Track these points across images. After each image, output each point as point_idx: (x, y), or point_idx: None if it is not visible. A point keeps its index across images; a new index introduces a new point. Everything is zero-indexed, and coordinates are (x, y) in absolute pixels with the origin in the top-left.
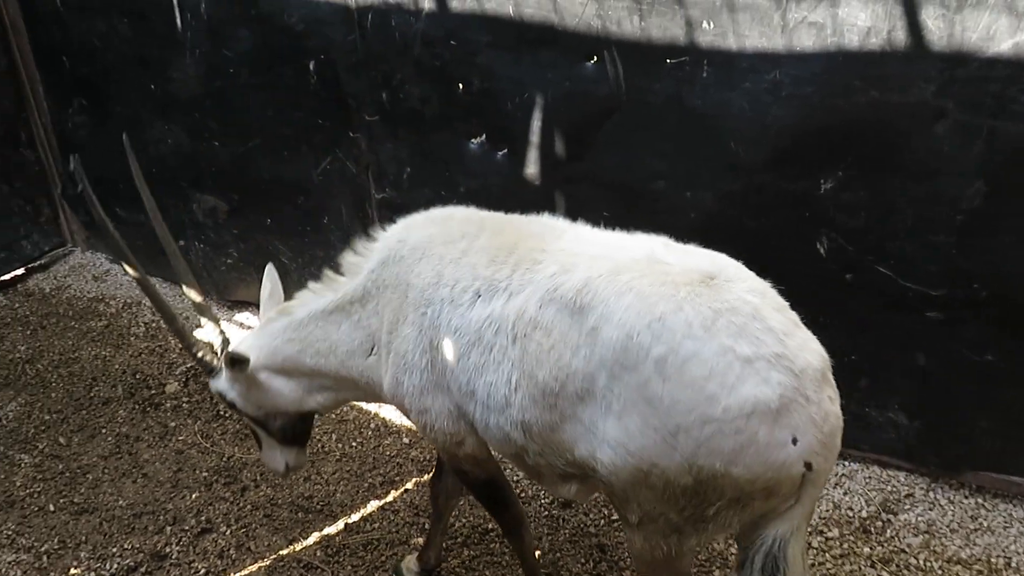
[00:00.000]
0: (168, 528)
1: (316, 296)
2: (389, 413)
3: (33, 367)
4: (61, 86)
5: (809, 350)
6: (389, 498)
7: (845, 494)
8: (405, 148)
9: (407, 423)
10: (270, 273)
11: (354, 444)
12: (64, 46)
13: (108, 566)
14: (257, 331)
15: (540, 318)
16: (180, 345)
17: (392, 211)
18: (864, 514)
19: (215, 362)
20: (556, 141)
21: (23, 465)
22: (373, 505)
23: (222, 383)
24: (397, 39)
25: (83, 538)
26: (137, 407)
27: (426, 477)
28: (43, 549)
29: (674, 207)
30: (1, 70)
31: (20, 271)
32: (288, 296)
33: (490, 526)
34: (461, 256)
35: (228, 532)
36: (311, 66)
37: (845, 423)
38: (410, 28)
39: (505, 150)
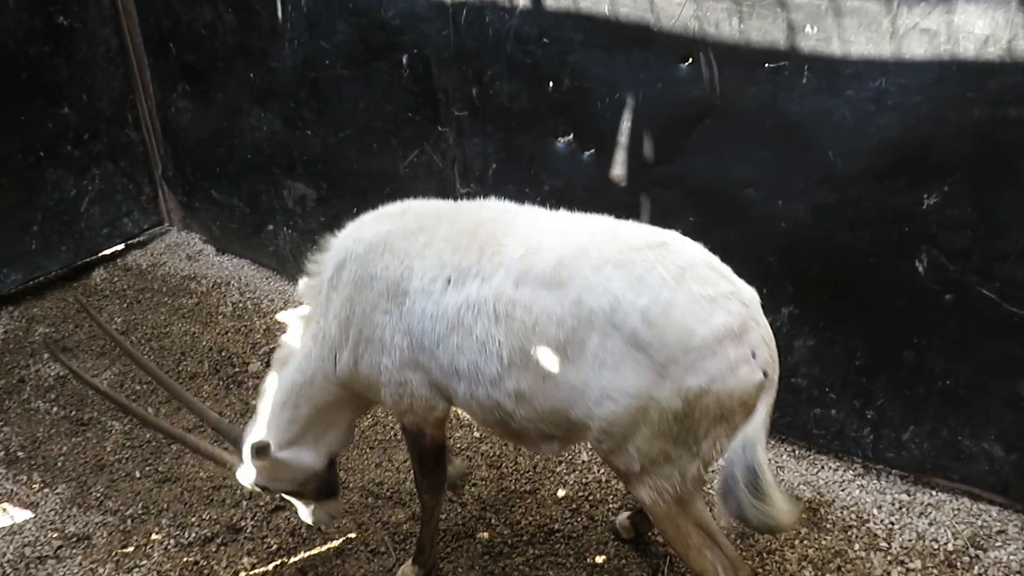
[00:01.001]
0: (244, 503)
1: (289, 344)
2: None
3: (127, 339)
4: (167, 71)
5: (748, 289)
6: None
7: (930, 524)
8: (492, 144)
9: None
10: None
11: None
12: (172, 33)
13: (187, 534)
14: (261, 414)
15: (518, 297)
16: (202, 457)
17: None
18: (950, 547)
19: (233, 459)
20: (645, 143)
21: (114, 432)
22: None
23: (247, 474)
24: (490, 36)
25: (165, 505)
26: (221, 383)
27: (495, 473)
28: (128, 513)
29: (764, 216)
30: (112, 53)
31: (120, 247)
32: None
33: (556, 527)
34: (425, 248)
35: None
36: (404, 60)
37: (935, 450)
38: (504, 25)
39: (592, 150)
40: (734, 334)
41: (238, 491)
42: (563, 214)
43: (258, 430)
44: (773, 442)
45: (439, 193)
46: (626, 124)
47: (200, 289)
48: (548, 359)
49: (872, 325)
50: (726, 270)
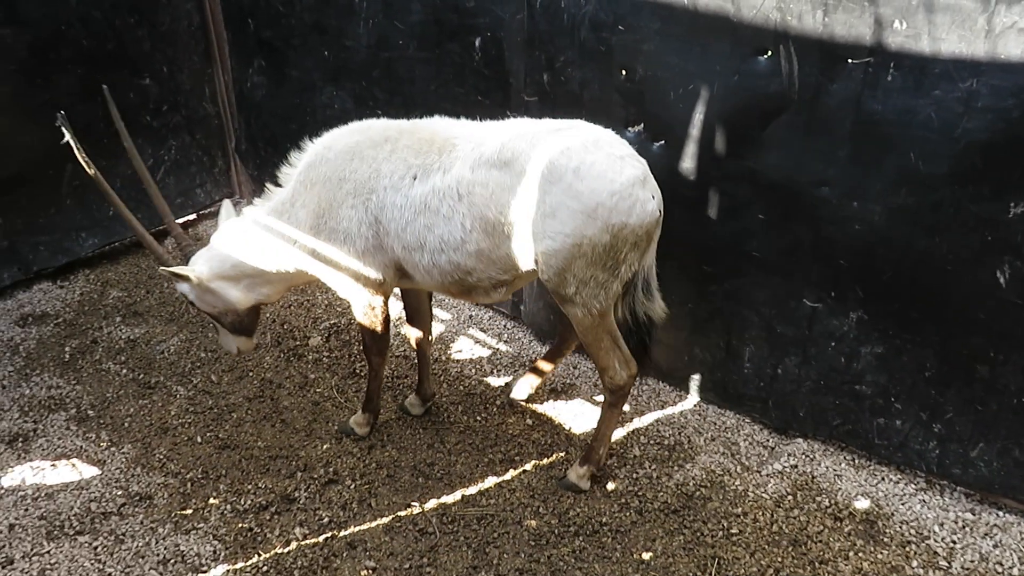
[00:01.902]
0: (299, 474)
1: (255, 208)
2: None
3: (195, 307)
4: (245, 47)
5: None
6: (507, 476)
7: (995, 546)
8: None
9: (533, 405)
10: (226, 207)
11: (479, 418)
12: (251, 9)
13: (243, 501)
14: (209, 246)
15: (475, 178)
16: (154, 258)
17: None
18: (1016, 572)
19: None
20: (717, 136)
21: (178, 396)
22: (491, 481)
23: (184, 287)
24: (564, 21)
25: (223, 471)
26: (282, 355)
27: (545, 461)
28: (188, 476)
29: (837, 217)
30: (194, 27)
31: (192, 216)
32: None
33: (604, 520)
34: (392, 153)
35: (352, 486)
36: (477, 43)
37: (1005, 469)
38: (579, 10)
39: (662, 141)
40: (640, 181)
41: (293, 462)
42: (497, 122)
43: (203, 255)
44: (832, 449)
45: None
46: (698, 116)
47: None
48: (504, 218)
49: (945, 335)
50: (625, 142)
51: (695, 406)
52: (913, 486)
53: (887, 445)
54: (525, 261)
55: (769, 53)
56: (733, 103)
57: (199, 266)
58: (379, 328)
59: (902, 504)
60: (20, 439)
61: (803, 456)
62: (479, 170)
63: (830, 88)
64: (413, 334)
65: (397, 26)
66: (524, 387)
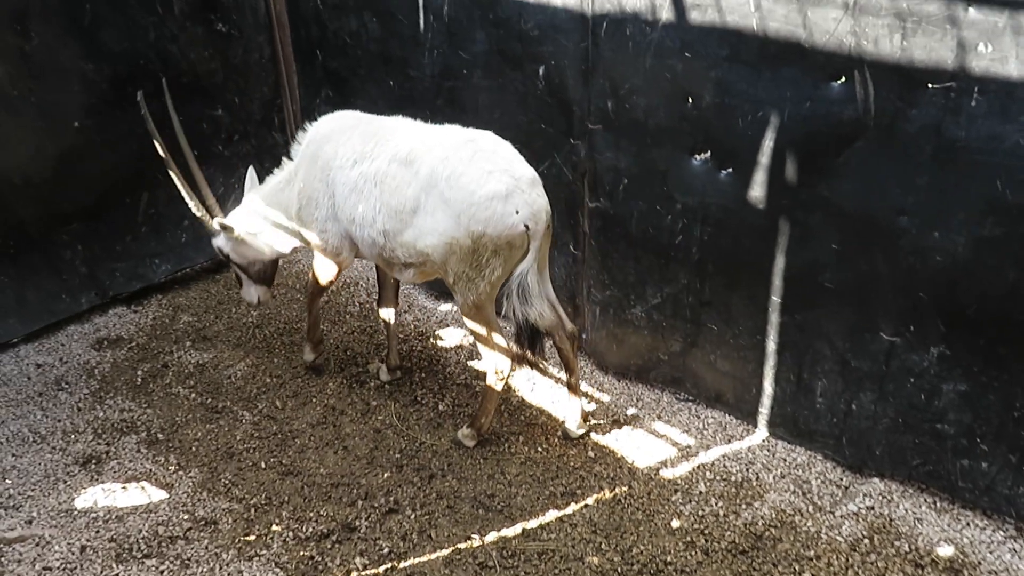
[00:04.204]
0: (360, 503)
1: (273, 176)
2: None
3: (261, 332)
4: (313, 77)
5: (525, 168)
6: (568, 510)
7: None
8: (624, 159)
9: (595, 436)
10: (250, 174)
11: (539, 449)
12: (320, 41)
13: (304, 529)
14: (240, 208)
15: (388, 170)
16: (196, 213)
17: (603, 221)
18: None
19: (215, 228)
20: (788, 164)
21: (244, 421)
22: (552, 515)
23: (220, 241)
24: (630, 49)
25: (286, 498)
26: (345, 382)
27: (608, 495)
28: (252, 502)
29: (917, 248)
30: (265, 59)
31: None
32: None
33: (668, 559)
34: (348, 140)
35: (412, 516)
36: (540, 71)
37: None
38: (644, 38)
39: (730, 169)
40: (501, 196)
41: (354, 490)
42: (433, 126)
43: (236, 216)
44: (911, 491)
45: (566, 206)
46: (768, 143)
47: (330, 288)
48: (403, 208)
49: None
50: (510, 156)
51: (763, 441)
52: (1002, 533)
53: (972, 488)
54: (420, 248)
55: (843, 79)
56: (805, 130)
57: (237, 222)
58: (322, 283)
59: (990, 552)
60: (93, 461)
61: (880, 497)
62: (392, 164)
63: (909, 114)
64: (384, 313)
65: (461, 55)
66: (574, 416)
